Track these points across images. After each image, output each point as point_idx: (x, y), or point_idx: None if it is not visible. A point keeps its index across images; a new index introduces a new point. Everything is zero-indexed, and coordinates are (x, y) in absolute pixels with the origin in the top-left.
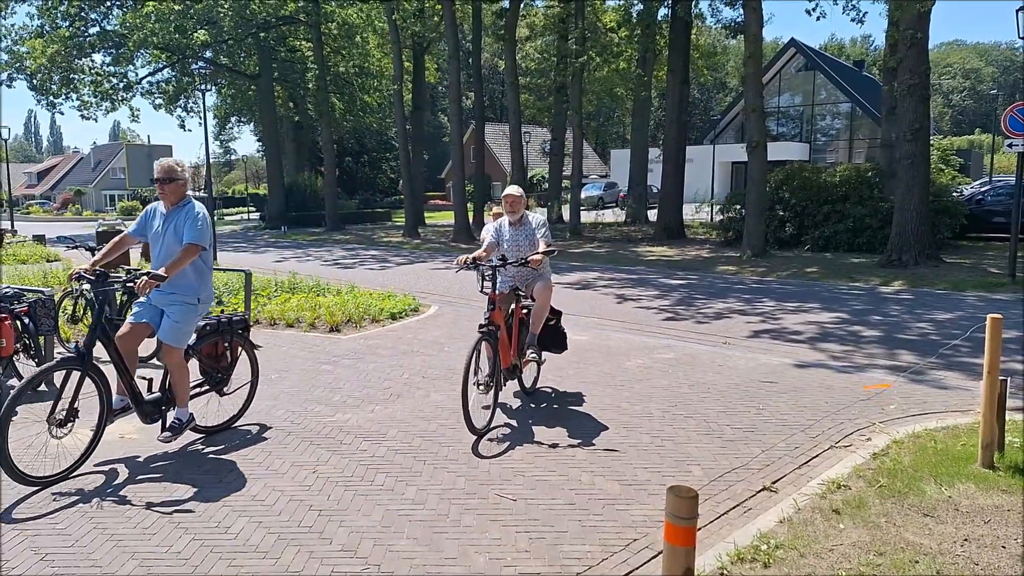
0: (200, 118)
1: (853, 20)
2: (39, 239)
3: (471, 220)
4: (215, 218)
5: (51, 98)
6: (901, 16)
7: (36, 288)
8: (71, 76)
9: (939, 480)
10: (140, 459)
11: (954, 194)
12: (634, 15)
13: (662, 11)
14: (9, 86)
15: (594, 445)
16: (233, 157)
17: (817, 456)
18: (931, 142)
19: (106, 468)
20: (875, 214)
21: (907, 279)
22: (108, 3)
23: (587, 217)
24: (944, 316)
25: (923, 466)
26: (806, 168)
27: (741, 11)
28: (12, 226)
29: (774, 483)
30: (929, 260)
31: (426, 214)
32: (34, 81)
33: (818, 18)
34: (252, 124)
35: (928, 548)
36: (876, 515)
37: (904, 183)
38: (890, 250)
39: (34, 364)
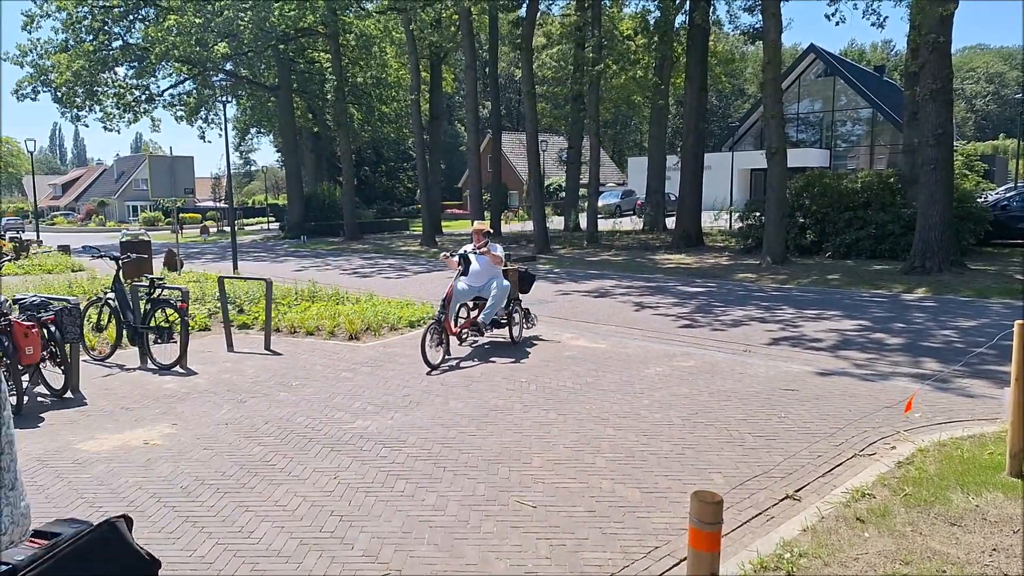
0: (220, 129)
1: (873, 25)
2: (64, 249)
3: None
4: (236, 228)
5: (75, 111)
6: (923, 20)
7: (62, 297)
8: (95, 89)
9: (966, 489)
10: (164, 464)
11: (978, 200)
12: (651, 23)
13: (679, 18)
14: (34, 99)
15: (614, 452)
16: (253, 168)
17: (841, 464)
18: (954, 147)
19: (130, 473)
20: (897, 220)
21: (930, 286)
22: (131, 17)
23: (604, 225)
24: (969, 323)
25: (949, 475)
26: (827, 174)
27: (759, 17)
28: (38, 236)
29: (797, 491)
30: (953, 267)
31: (443, 223)
32: (59, 94)
33: (837, 23)
34: (271, 135)
35: (955, 558)
36: (902, 524)
37: (927, 189)
38: (913, 257)
39: (60, 371)
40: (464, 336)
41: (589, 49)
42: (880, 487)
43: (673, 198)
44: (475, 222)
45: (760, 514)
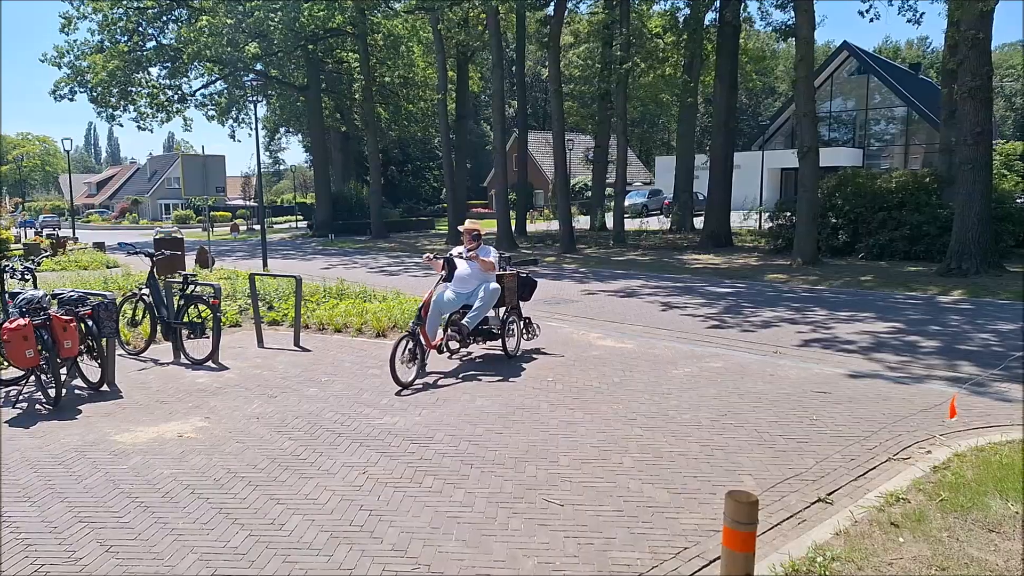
0: (250, 129)
1: (909, 21)
2: (99, 246)
3: (514, 228)
4: (265, 227)
5: (110, 110)
6: (962, 16)
7: (98, 292)
8: (129, 89)
9: (1004, 495)
10: (197, 456)
11: (1018, 200)
12: (681, 20)
13: (709, 15)
14: (72, 99)
15: (641, 453)
16: (282, 167)
17: (874, 468)
18: (993, 147)
19: (165, 464)
20: (933, 221)
21: (967, 288)
22: (164, 18)
23: (631, 225)
24: (1007, 327)
25: (987, 480)
26: (860, 174)
27: (792, 14)
28: (73, 233)
29: (829, 495)
30: (991, 269)
31: None
32: (95, 94)
33: (872, 20)
34: (300, 135)
35: (994, 565)
36: (937, 529)
37: (965, 189)
38: (949, 258)
39: (96, 365)
40: (452, 348)
41: (617, 47)
42: (915, 492)
43: (701, 198)
44: (466, 220)
45: (791, 517)
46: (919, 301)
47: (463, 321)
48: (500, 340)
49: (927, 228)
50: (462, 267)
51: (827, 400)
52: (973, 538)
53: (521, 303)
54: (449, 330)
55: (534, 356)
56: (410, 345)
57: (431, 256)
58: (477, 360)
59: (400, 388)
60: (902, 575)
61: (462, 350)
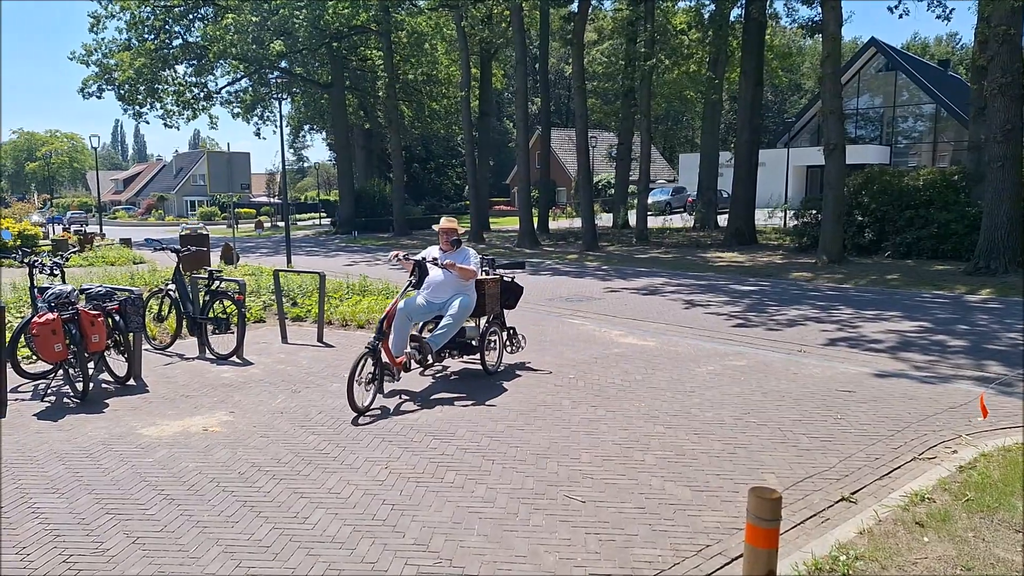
0: (275, 126)
1: (939, 17)
2: (126, 242)
3: (536, 225)
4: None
5: (137, 108)
6: (992, 11)
7: (125, 288)
8: (155, 87)
9: None
10: (222, 450)
11: None
12: (706, 17)
13: (735, 12)
14: (100, 97)
15: (663, 450)
16: (306, 164)
17: (899, 467)
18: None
19: (190, 458)
20: (961, 219)
21: (996, 287)
22: (190, 16)
23: (654, 223)
24: None
25: (1014, 480)
26: (887, 172)
27: (818, 10)
28: (100, 230)
29: (853, 494)
30: (1020, 268)
31: (491, 219)
32: (122, 92)
33: (901, 16)
34: (324, 132)
35: (1020, 565)
36: (963, 529)
37: (994, 187)
38: (978, 257)
39: (123, 359)
40: (421, 365)
41: (641, 44)
42: (940, 491)
43: (725, 195)
44: (442, 219)
45: (814, 515)
46: (946, 300)
47: (427, 339)
48: (479, 354)
49: (955, 226)
50: (435, 273)
51: (852, 399)
52: (999, 538)
53: (506, 311)
54: (410, 345)
55: (518, 372)
56: (371, 364)
57: (402, 256)
58: (452, 378)
59: (356, 415)
60: (927, 575)
61: (436, 365)
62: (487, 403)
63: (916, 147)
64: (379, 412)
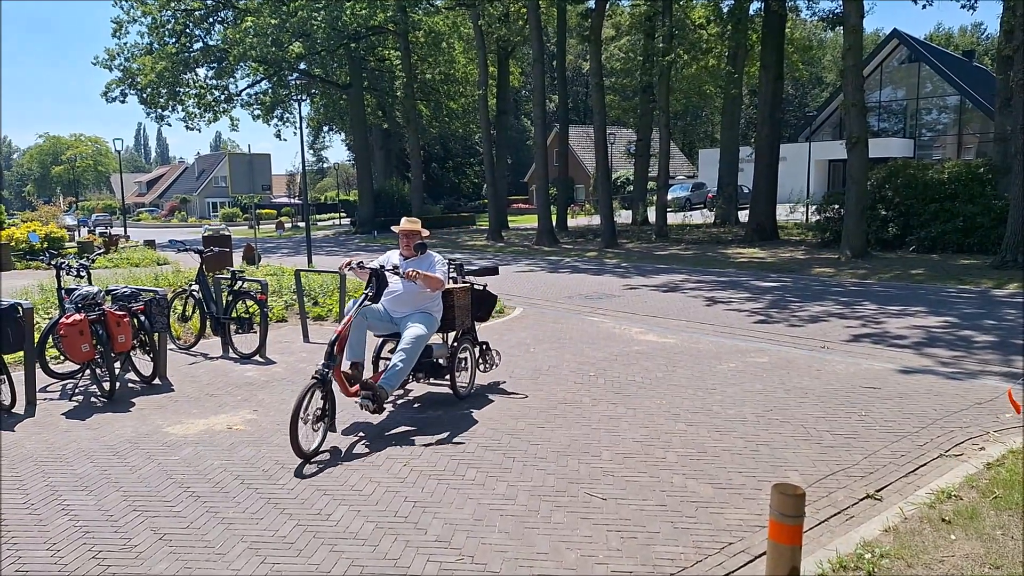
0: (295, 128)
1: (963, 7)
2: (149, 243)
3: (554, 223)
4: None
5: (159, 111)
6: (1018, 0)
7: (150, 288)
8: (177, 90)
9: None
10: (246, 448)
11: None
12: (725, 10)
13: (754, 5)
14: (123, 101)
15: (685, 448)
16: (325, 165)
17: (925, 464)
18: None
19: (215, 456)
20: (987, 212)
21: (1023, 281)
22: (211, 19)
23: (674, 219)
24: None
25: None
26: (911, 165)
27: (839, 2)
28: (125, 231)
29: (878, 491)
30: None
31: (509, 217)
32: (144, 95)
33: (924, 6)
34: (343, 133)
35: None
36: (991, 527)
37: (1021, 179)
38: (1004, 250)
39: (149, 359)
40: (377, 413)
41: (659, 39)
42: (967, 488)
43: (746, 191)
44: (403, 220)
45: (839, 513)
46: (972, 295)
47: (379, 383)
48: (448, 375)
49: (981, 220)
50: (395, 284)
51: (876, 395)
52: None
53: (477, 324)
54: (361, 395)
55: (490, 397)
56: (319, 397)
57: (355, 264)
58: (415, 405)
59: (302, 460)
60: (954, 573)
61: (398, 390)
62: (508, 399)
63: (941, 139)
64: (328, 456)
